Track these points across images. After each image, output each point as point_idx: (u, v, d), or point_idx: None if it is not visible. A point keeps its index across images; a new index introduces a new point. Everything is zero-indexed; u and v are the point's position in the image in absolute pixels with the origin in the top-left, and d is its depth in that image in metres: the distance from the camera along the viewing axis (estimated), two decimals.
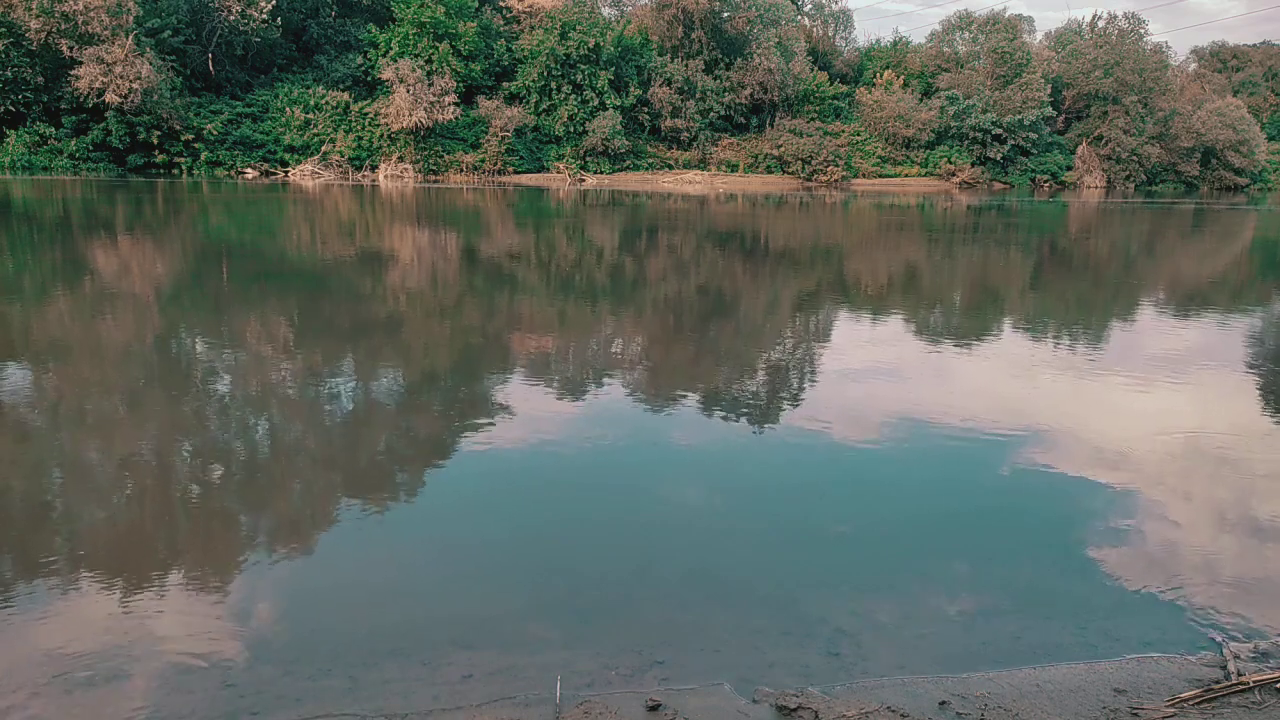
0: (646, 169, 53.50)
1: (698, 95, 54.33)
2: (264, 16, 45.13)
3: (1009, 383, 8.34)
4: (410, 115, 45.32)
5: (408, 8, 47.70)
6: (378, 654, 3.53)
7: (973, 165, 59.97)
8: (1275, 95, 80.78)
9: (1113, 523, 5.02)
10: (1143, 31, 64.86)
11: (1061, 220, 33.83)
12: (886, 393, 7.79)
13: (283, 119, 45.72)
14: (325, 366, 8.25)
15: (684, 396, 7.56)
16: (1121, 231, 29.42)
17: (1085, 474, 5.76)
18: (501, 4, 54.42)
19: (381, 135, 46.92)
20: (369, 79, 48.22)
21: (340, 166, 46.04)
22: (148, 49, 40.41)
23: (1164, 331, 11.44)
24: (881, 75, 62.32)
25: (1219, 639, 3.80)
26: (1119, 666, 3.58)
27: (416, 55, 47.19)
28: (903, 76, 62.48)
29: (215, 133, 43.80)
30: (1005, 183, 61.43)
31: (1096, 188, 62.57)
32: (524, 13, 53.71)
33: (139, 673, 3.36)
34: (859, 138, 59.29)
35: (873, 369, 8.63)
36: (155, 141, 41.70)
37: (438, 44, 47.94)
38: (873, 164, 58.89)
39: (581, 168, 51.17)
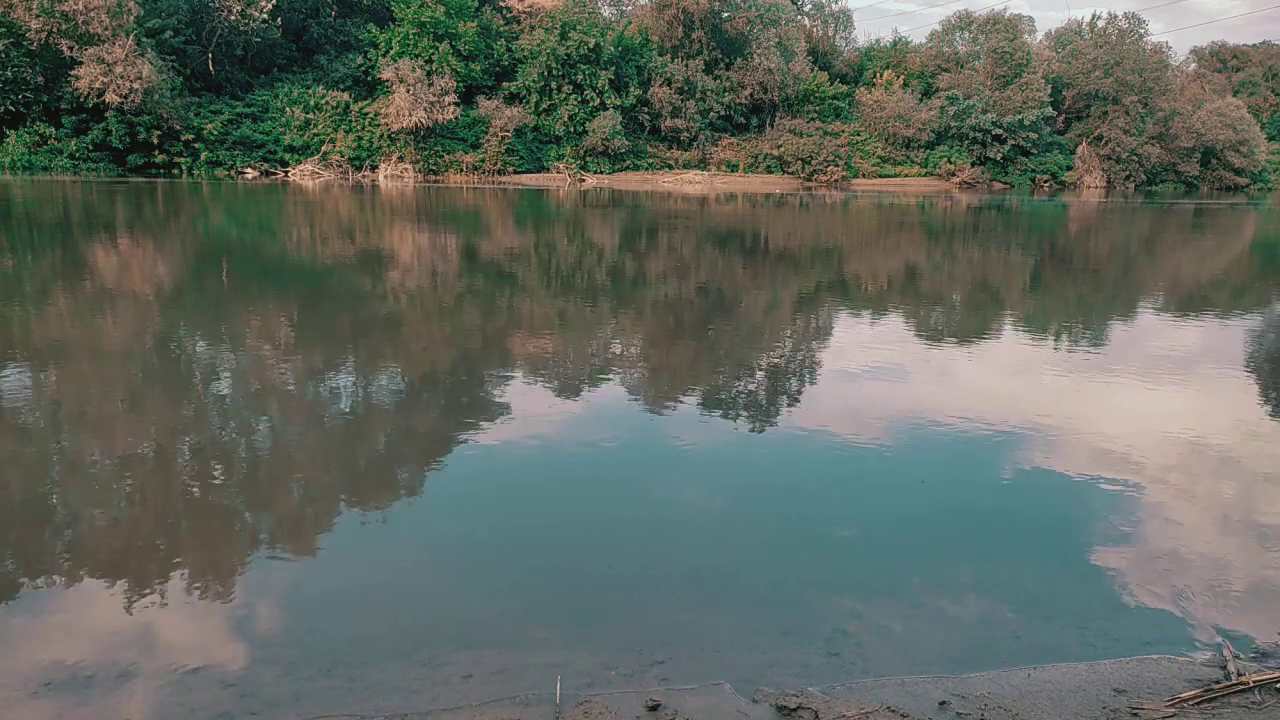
0: (646, 169, 53.51)
1: (698, 95, 54.34)
2: (264, 16, 45.19)
3: (1009, 383, 8.34)
4: (410, 115, 45.36)
5: (408, 8, 47.71)
6: (378, 654, 3.53)
7: (973, 165, 60.01)
8: (1275, 95, 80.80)
9: (1113, 522, 5.02)
10: (1143, 31, 64.96)
11: (1062, 220, 33.83)
12: (886, 392, 7.79)
13: (283, 119, 45.74)
14: (326, 367, 8.25)
15: (684, 396, 7.56)
16: (1122, 231, 29.42)
17: (1086, 474, 5.76)
18: (501, 4, 54.44)
19: (381, 135, 46.95)
20: (369, 79, 48.25)
21: (340, 166, 46.06)
22: (148, 49, 40.44)
23: (1164, 331, 11.43)
24: (881, 75, 62.36)
25: (1219, 639, 3.80)
26: (1119, 666, 3.58)
27: (416, 55, 47.22)
28: (903, 76, 62.51)
29: (215, 133, 43.84)
30: (1005, 183, 61.45)
31: (1096, 188, 62.59)
32: (524, 13, 53.74)
33: (139, 673, 3.36)
34: (859, 138, 59.32)
35: (872, 369, 8.63)
36: (155, 141, 41.73)
37: (438, 44, 47.96)
38: (873, 164, 58.92)
39: (581, 168, 51.19)
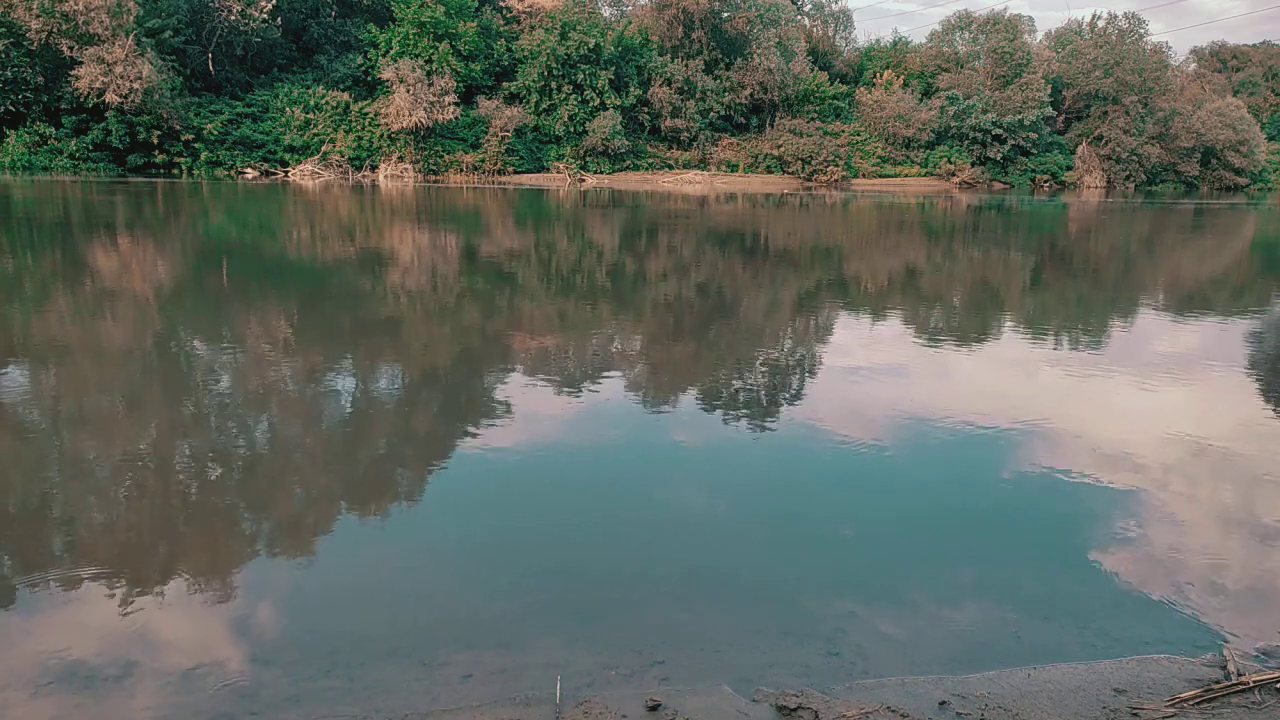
0: (646, 169, 53.50)
1: (698, 95, 54.34)
2: (264, 16, 45.17)
3: (1010, 383, 8.34)
4: (410, 115, 45.34)
5: (408, 8, 47.71)
6: (377, 654, 3.53)
7: (973, 165, 60.00)
8: (1275, 95, 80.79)
9: (1113, 522, 5.02)
10: (1143, 31, 64.96)
11: (1062, 220, 33.82)
12: (886, 392, 7.79)
13: (283, 119, 45.73)
14: (326, 367, 8.25)
15: (684, 397, 7.56)
16: (1122, 232, 29.42)
17: (1086, 474, 5.76)
18: (501, 4, 54.44)
19: (381, 135, 46.94)
20: (369, 79, 48.24)
21: (340, 166, 46.05)
22: (148, 49, 40.42)
23: (1164, 331, 11.43)
24: (881, 75, 62.35)
25: (1219, 639, 3.80)
26: (1119, 666, 3.58)
27: (416, 55, 47.21)
28: (903, 76, 62.51)
29: (215, 133, 43.83)
30: (1005, 183, 61.45)
31: (1096, 188, 62.59)
32: (524, 13, 53.74)
33: (139, 673, 3.36)
34: (859, 138, 59.30)
35: (873, 369, 8.63)
36: (155, 141, 41.71)
37: (438, 44, 47.95)
38: (873, 164, 58.91)
39: (581, 168, 51.18)
